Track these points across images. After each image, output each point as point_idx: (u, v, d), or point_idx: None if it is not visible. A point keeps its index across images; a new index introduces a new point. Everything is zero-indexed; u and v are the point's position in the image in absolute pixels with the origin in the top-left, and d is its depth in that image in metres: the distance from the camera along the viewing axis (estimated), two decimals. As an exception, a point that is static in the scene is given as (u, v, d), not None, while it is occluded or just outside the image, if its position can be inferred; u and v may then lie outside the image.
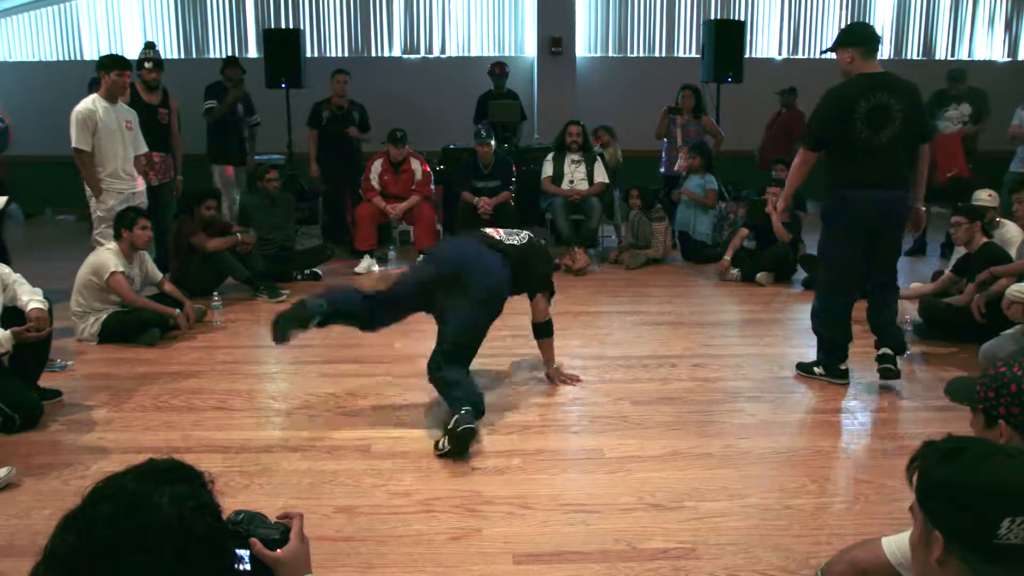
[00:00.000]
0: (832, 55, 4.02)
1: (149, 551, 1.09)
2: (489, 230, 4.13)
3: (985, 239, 5.01)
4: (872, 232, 3.97)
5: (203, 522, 1.14)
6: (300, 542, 1.51)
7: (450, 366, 3.61)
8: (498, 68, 8.60)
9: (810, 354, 4.69)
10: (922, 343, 4.85)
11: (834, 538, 2.64)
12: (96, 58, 6.46)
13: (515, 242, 4.02)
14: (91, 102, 5.30)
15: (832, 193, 3.99)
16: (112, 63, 5.36)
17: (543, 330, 4.17)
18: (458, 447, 3.27)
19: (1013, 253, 4.93)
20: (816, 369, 4.23)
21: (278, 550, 1.47)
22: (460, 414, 3.32)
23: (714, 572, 2.49)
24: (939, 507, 1.32)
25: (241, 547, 1.46)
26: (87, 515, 1.12)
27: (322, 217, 8.16)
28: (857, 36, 3.98)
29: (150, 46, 7.23)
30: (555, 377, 4.21)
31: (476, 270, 3.73)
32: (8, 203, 4.24)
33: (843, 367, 4.15)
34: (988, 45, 10.73)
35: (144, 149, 5.69)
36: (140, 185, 5.59)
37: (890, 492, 3.01)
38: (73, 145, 5.25)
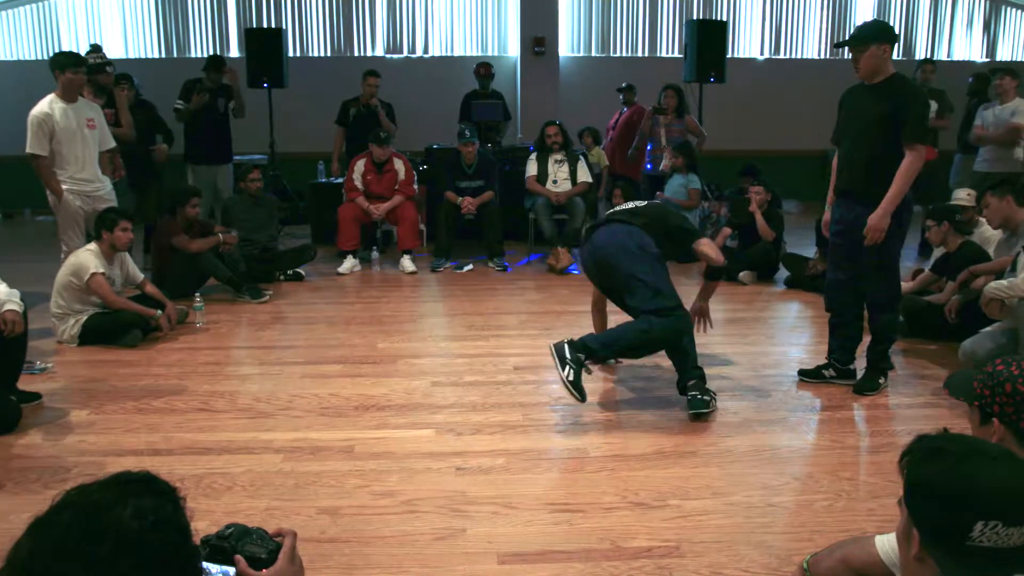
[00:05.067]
0: (840, 49, 3.82)
1: (102, 561, 1.06)
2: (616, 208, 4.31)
3: (962, 238, 5.05)
4: None
5: (163, 538, 1.11)
6: (290, 563, 1.45)
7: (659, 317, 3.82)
8: (483, 69, 8.59)
9: (793, 352, 4.73)
10: (903, 341, 4.88)
11: (817, 535, 2.66)
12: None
13: (632, 207, 4.17)
14: (47, 104, 5.12)
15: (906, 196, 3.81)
16: (66, 61, 5.18)
17: (714, 273, 4.25)
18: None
19: (992, 251, 4.97)
20: (881, 380, 4.10)
21: (264, 570, 1.42)
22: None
23: (698, 570, 2.50)
24: (917, 505, 1.33)
25: (225, 563, 1.42)
26: (48, 520, 1.10)
27: None
28: (892, 33, 3.82)
29: (95, 48, 7.06)
30: (699, 313, 4.33)
31: (609, 249, 3.92)
32: None
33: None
34: (966, 46, 10.85)
35: (111, 144, 5.56)
36: (106, 185, 5.45)
37: (872, 489, 3.03)
38: (28, 150, 5.10)
